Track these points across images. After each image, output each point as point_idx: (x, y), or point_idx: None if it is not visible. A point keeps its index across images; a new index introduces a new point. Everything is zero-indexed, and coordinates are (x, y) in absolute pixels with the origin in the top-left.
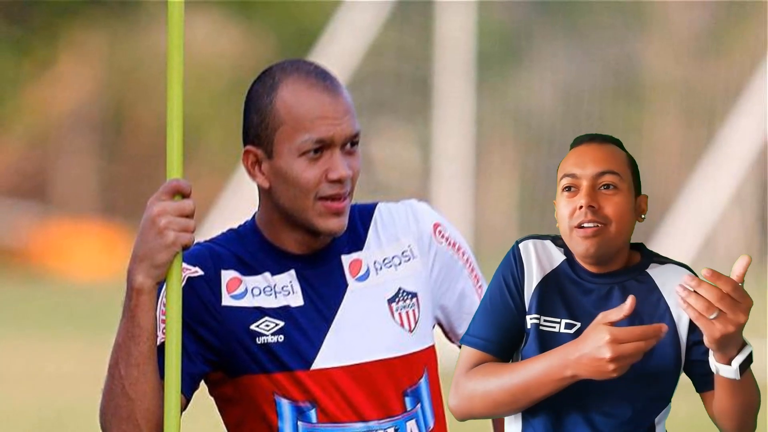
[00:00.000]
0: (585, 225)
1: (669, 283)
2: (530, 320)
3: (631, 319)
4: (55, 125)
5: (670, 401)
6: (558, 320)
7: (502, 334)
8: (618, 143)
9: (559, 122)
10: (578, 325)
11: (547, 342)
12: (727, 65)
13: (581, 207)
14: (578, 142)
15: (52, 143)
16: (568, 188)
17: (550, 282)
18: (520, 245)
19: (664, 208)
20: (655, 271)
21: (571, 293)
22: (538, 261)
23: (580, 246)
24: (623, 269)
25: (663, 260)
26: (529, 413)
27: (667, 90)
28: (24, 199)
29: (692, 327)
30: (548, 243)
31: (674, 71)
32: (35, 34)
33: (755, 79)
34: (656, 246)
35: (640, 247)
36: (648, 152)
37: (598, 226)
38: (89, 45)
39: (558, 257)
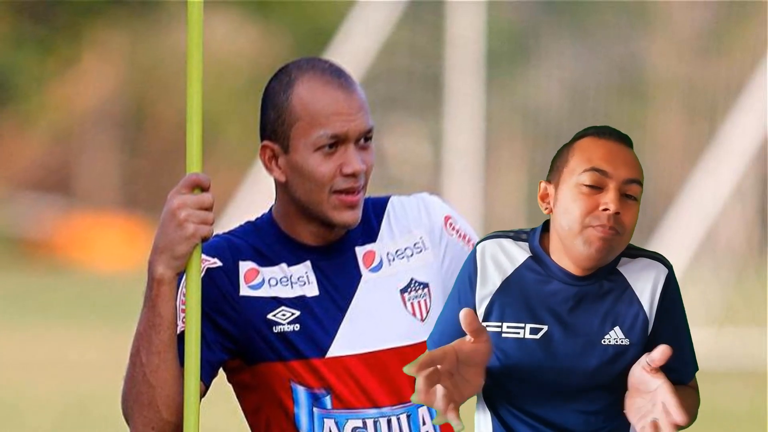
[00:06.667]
0: (603, 229)
1: (639, 279)
2: (490, 329)
3: (612, 321)
4: (78, 121)
5: None
6: (522, 325)
7: (448, 341)
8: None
9: (565, 118)
10: (544, 328)
11: (512, 349)
12: (729, 63)
13: (606, 210)
14: (604, 134)
15: (75, 139)
16: (592, 186)
17: (511, 285)
18: (477, 247)
19: (667, 201)
20: (625, 267)
21: (536, 294)
22: (497, 264)
23: (587, 248)
24: (597, 269)
25: (633, 253)
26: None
27: (670, 87)
28: (48, 192)
29: (656, 329)
30: (507, 242)
31: (677, 69)
32: (59, 33)
33: (756, 77)
34: (659, 239)
35: None
36: (651, 147)
37: (616, 233)
38: (111, 44)
39: (520, 255)
